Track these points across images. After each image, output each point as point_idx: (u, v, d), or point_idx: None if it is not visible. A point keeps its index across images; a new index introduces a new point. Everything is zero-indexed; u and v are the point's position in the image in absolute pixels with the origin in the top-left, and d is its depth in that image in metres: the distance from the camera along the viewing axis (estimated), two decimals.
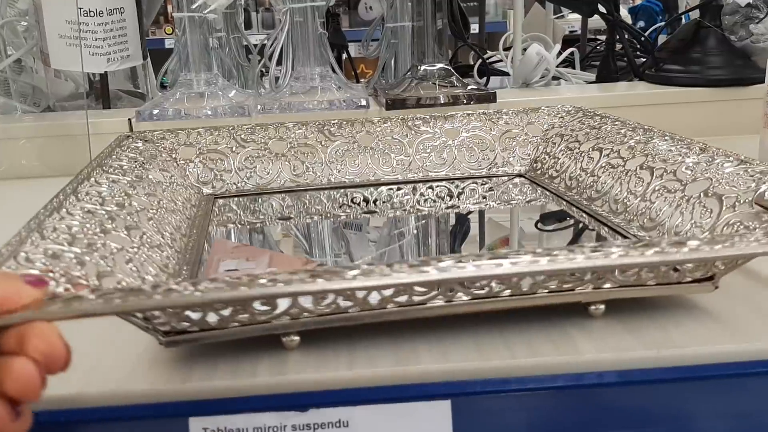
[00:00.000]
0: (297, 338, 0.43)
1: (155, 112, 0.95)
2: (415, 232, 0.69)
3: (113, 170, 0.60)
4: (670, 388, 0.43)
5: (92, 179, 0.56)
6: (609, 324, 0.45)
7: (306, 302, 0.41)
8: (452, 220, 0.70)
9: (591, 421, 0.43)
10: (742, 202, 0.49)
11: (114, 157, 0.64)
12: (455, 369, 0.42)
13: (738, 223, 0.48)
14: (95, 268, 0.42)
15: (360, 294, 0.41)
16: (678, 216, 0.54)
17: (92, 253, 0.44)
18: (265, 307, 0.41)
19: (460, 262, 0.37)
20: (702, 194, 0.53)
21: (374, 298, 0.42)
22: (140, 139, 0.72)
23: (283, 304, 0.41)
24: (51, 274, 0.39)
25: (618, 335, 0.44)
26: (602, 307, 0.46)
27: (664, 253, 0.38)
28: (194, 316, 0.40)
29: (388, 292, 0.42)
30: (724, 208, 0.50)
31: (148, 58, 1.11)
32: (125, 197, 0.55)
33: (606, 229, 0.61)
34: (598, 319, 0.46)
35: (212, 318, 0.41)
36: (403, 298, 0.42)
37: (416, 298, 0.42)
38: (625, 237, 0.58)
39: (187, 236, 0.60)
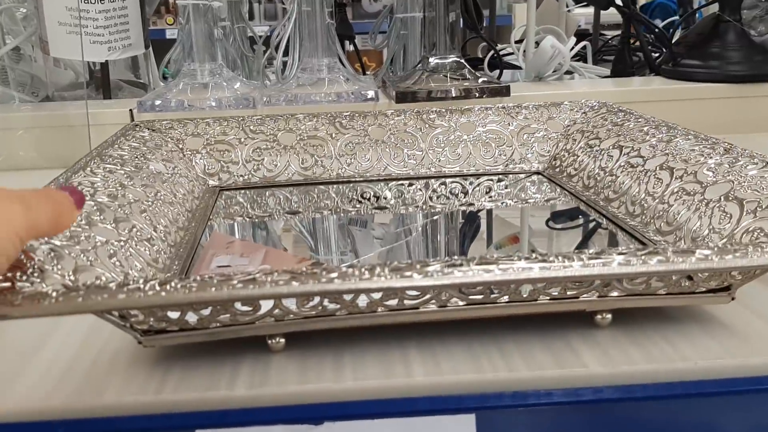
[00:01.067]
0: (282, 340, 0.41)
1: (157, 102, 0.92)
2: (422, 229, 0.66)
3: (112, 160, 0.57)
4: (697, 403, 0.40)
5: (88, 169, 0.54)
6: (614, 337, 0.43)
7: (290, 303, 0.39)
8: (462, 218, 0.67)
9: None
10: (764, 207, 0.46)
11: (116, 146, 0.61)
12: (482, 381, 0.39)
13: (758, 230, 0.45)
14: (73, 263, 0.40)
15: (347, 297, 0.39)
16: (696, 220, 0.51)
17: (73, 246, 0.41)
18: (246, 308, 0.39)
19: (447, 267, 0.34)
20: (722, 198, 0.50)
21: (362, 301, 0.40)
22: (147, 128, 0.70)
23: (266, 305, 0.39)
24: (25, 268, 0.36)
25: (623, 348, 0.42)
26: (609, 316, 0.43)
27: (670, 263, 0.36)
28: (173, 315, 0.39)
29: (377, 295, 0.40)
30: (744, 213, 0.47)
31: (150, 48, 1.08)
32: (119, 188, 0.53)
33: (621, 232, 0.58)
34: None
35: (192, 318, 0.39)
36: (393, 302, 0.40)
37: (408, 302, 0.40)
38: (639, 241, 0.55)
39: (184, 229, 0.57)
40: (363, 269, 0.34)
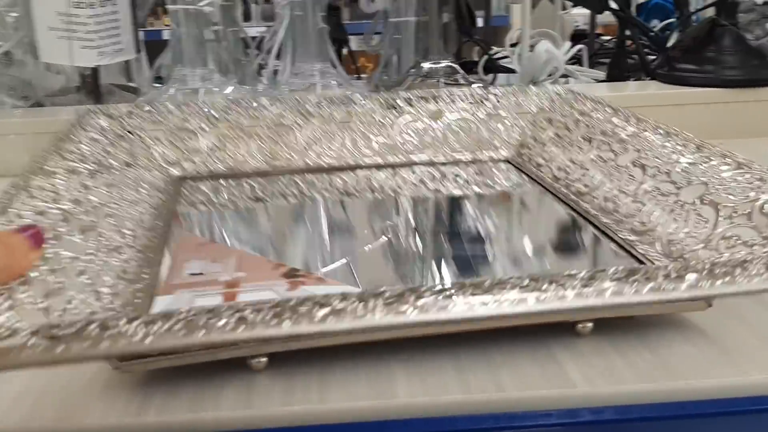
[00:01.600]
0: (264, 359, 0.39)
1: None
2: (400, 219, 0.64)
3: (72, 155, 0.56)
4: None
5: (47, 168, 0.52)
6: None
7: None
8: (442, 205, 0.66)
9: None
10: (738, 213, 0.46)
11: (73, 137, 0.60)
12: (470, 401, 0.38)
13: (735, 237, 0.45)
14: (43, 286, 0.38)
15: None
16: (672, 223, 0.50)
17: (40, 266, 0.39)
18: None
19: (443, 299, 0.33)
20: (697, 200, 0.50)
21: None
22: (104, 114, 0.68)
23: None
24: None
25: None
26: (590, 325, 0.42)
27: (661, 292, 0.35)
28: None
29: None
30: (720, 218, 0.47)
31: (142, 52, 1.09)
32: (83, 190, 0.51)
33: (594, 228, 0.56)
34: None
35: None
36: None
37: None
38: (615, 241, 0.54)
39: (152, 230, 0.55)
40: (355, 302, 0.33)
